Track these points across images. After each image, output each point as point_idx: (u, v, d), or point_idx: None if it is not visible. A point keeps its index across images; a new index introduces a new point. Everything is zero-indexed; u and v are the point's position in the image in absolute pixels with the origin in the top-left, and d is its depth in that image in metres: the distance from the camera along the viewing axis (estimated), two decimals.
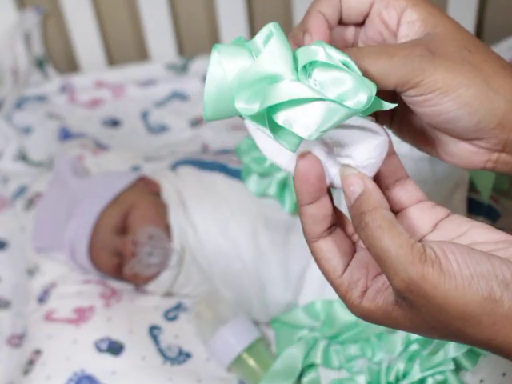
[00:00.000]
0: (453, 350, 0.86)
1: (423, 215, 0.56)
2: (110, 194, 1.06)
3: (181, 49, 1.50)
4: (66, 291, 1.07)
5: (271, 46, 0.48)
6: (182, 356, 0.99)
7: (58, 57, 1.51)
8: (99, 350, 0.99)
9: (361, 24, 0.60)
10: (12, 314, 1.11)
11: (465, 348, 0.86)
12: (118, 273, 1.05)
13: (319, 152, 0.52)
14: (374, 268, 0.53)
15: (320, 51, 0.49)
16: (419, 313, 0.49)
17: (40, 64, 1.47)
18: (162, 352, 0.99)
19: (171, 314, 1.04)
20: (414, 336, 0.87)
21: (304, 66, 0.49)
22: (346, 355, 0.91)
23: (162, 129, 1.36)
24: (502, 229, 0.54)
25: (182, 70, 1.45)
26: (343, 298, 0.53)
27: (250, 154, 1.02)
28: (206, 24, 1.46)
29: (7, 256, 1.18)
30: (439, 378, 0.87)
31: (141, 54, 1.50)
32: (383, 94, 0.54)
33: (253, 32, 1.47)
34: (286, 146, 0.50)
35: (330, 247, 0.53)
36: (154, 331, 1.02)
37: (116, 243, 1.04)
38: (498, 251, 0.51)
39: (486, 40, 1.43)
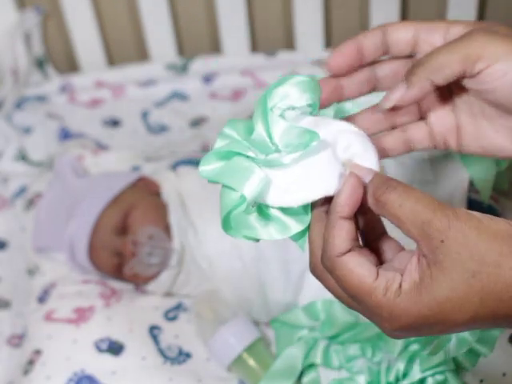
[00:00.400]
0: (453, 350, 0.86)
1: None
2: (109, 194, 1.06)
3: (181, 49, 1.50)
4: (65, 291, 1.07)
5: None
6: (182, 356, 0.99)
7: (57, 57, 1.51)
8: (99, 349, 0.99)
9: (409, 56, 0.63)
10: (12, 313, 1.11)
11: (465, 348, 0.86)
12: (118, 273, 1.05)
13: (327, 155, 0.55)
14: (403, 261, 0.55)
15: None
16: (457, 258, 0.50)
17: (40, 64, 1.47)
18: (162, 352, 0.99)
19: (171, 314, 1.04)
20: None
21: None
22: (345, 355, 0.91)
23: (162, 129, 1.36)
24: None
25: (182, 70, 1.45)
26: (381, 300, 0.52)
27: None
28: (206, 24, 1.46)
29: (7, 256, 1.18)
30: (439, 378, 0.87)
31: (141, 53, 1.50)
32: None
33: (253, 32, 1.47)
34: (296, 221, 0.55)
35: (358, 256, 0.53)
36: (154, 331, 1.02)
37: (116, 243, 1.04)
38: None
39: None
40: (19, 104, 1.41)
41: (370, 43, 0.62)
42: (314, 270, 0.57)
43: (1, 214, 1.24)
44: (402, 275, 0.52)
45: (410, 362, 0.88)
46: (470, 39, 0.57)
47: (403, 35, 0.61)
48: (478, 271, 0.50)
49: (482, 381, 0.89)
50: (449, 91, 0.63)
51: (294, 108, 0.55)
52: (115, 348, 0.99)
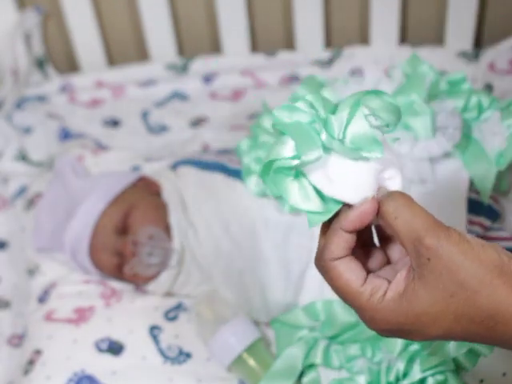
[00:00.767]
0: (453, 350, 0.86)
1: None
2: (110, 194, 1.06)
3: (181, 49, 1.50)
4: (66, 291, 1.07)
5: None
6: (182, 356, 0.99)
7: (58, 57, 1.51)
8: (99, 349, 0.99)
9: None
10: (12, 313, 1.11)
11: (465, 348, 0.86)
12: (118, 273, 1.05)
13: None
14: (391, 272, 0.59)
15: None
16: (439, 278, 0.53)
17: (40, 64, 1.47)
18: (162, 352, 0.99)
19: (171, 314, 1.04)
20: None
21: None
22: (346, 355, 0.91)
23: (162, 129, 1.36)
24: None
25: (182, 70, 1.45)
26: (364, 305, 0.56)
27: (250, 154, 1.02)
28: (206, 24, 1.46)
29: (7, 256, 1.18)
30: (439, 378, 0.87)
31: (141, 53, 1.50)
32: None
33: (253, 32, 1.47)
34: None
35: (349, 262, 0.57)
36: (154, 331, 1.02)
37: (116, 243, 1.04)
38: None
39: (486, 40, 1.43)
40: (19, 104, 1.41)
41: None
42: (315, 263, 0.60)
43: (1, 214, 1.24)
44: (390, 283, 0.56)
45: (410, 361, 0.88)
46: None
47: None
48: (456, 293, 0.53)
49: (482, 381, 0.89)
50: None
51: (377, 119, 0.56)
52: (115, 348, 0.99)
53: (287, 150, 0.56)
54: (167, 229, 1.04)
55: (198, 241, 1.03)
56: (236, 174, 1.05)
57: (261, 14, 1.45)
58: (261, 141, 1.01)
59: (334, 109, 0.58)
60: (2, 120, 1.35)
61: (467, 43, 1.40)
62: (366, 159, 0.56)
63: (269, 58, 1.45)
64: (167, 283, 1.04)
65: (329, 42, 1.47)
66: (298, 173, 0.57)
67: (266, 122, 1.01)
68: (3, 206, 1.25)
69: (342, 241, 0.57)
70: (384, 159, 0.57)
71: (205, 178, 1.07)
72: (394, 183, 0.58)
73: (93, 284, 1.08)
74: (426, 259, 0.53)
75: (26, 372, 0.99)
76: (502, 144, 0.95)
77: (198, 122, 1.36)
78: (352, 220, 0.56)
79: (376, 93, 0.57)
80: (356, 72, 1.39)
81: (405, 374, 0.88)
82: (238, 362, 0.96)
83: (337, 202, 0.57)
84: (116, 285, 1.08)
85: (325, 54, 1.43)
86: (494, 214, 0.99)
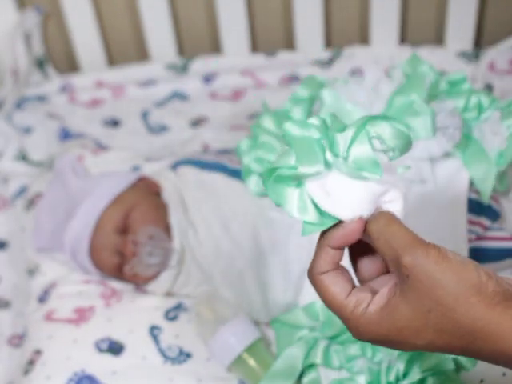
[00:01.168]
0: None
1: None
2: (110, 195, 1.06)
3: (181, 49, 1.50)
4: (66, 291, 1.07)
5: None
6: (183, 356, 0.99)
7: (58, 57, 1.51)
8: (99, 349, 0.99)
9: None
10: (12, 313, 1.11)
11: None
12: (118, 273, 1.05)
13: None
14: (376, 284, 0.61)
15: None
16: (418, 294, 0.56)
17: (40, 64, 1.47)
18: (162, 352, 0.99)
19: (171, 314, 1.04)
20: None
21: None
22: (346, 355, 0.91)
23: (162, 129, 1.36)
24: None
25: (182, 70, 1.45)
26: (349, 316, 0.59)
27: (251, 154, 1.02)
28: (206, 24, 1.46)
29: (7, 256, 1.18)
30: (439, 378, 0.87)
31: (141, 54, 1.50)
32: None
33: (253, 32, 1.47)
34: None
35: (335, 276, 0.60)
36: (154, 331, 1.02)
37: (116, 243, 1.04)
38: None
39: (486, 40, 1.43)
40: (19, 104, 1.41)
41: None
42: (307, 275, 0.63)
43: (1, 214, 1.23)
44: (374, 296, 0.59)
45: (410, 362, 0.88)
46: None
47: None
48: (433, 309, 0.56)
49: (482, 381, 0.89)
50: None
51: (381, 142, 0.58)
52: (115, 348, 0.99)
53: (290, 160, 0.58)
54: (167, 229, 1.04)
55: (198, 241, 1.03)
56: (236, 174, 1.05)
57: (261, 14, 1.45)
58: (261, 141, 1.01)
59: (342, 128, 0.59)
60: (2, 120, 1.35)
61: (467, 43, 1.40)
62: (366, 180, 0.58)
63: (269, 58, 1.45)
64: (167, 283, 1.04)
65: (329, 42, 1.47)
66: (299, 183, 0.59)
67: (266, 122, 1.01)
68: (3, 206, 1.25)
69: (329, 256, 0.60)
70: (385, 182, 0.59)
71: (205, 177, 1.07)
72: (394, 207, 0.60)
73: (93, 284, 1.08)
74: (405, 276, 0.56)
75: (26, 372, 0.99)
76: (502, 144, 0.95)
77: (197, 122, 1.36)
78: (337, 238, 0.59)
79: (386, 118, 0.59)
80: (356, 72, 1.39)
81: (405, 374, 0.88)
82: (238, 362, 0.96)
83: (332, 217, 0.59)
84: (116, 285, 1.08)
85: (325, 54, 1.43)
86: (493, 214, 0.99)
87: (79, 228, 1.05)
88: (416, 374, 0.88)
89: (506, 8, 1.40)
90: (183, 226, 1.03)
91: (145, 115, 1.38)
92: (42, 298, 1.07)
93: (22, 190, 1.25)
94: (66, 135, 1.33)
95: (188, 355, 1.00)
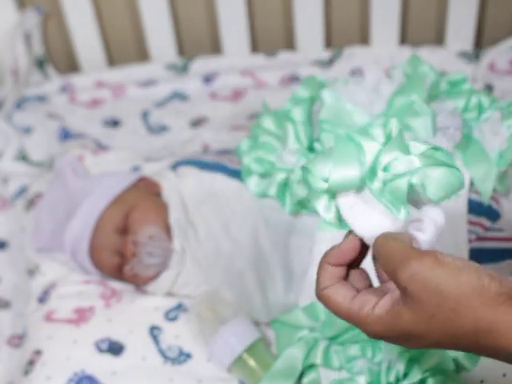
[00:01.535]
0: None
1: None
2: (110, 195, 1.06)
3: (181, 49, 1.50)
4: (66, 291, 1.07)
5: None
6: (183, 356, 0.99)
7: (58, 57, 1.51)
8: (99, 350, 0.99)
9: None
10: (12, 314, 1.11)
11: None
12: (118, 273, 1.05)
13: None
14: (380, 290, 0.63)
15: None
16: (419, 301, 0.58)
17: (40, 64, 1.47)
18: (162, 352, 0.99)
19: (172, 315, 1.04)
20: None
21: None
22: (346, 356, 0.91)
23: (162, 129, 1.36)
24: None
25: (182, 70, 1.45)
26: (356, 318, 0.62)
27: (250, 154, 1.02)
28: (206, 24, 1.46)
29: (7, 256, 1.18)
30: (440, 378, 0.87)
31: (141, 54, 1.50)
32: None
33: (253, 32, 1.47)
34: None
35: (336, 288, 0.64)
36: (154, 331, 1.02)
37: (116, 243, 1.04)
38: None
39: (487, 40, 1.43)
40: (19, 104, 1.40)
41: None
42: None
43: (1, 214, 1.23)
44: (380, 298, 0.61)
45: (411, 362, 0.88)
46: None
47: None
48: (436, 313, 0.57)
49: (482, 381, 0.89)
50: None
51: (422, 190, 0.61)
52: (115, 348, 0.99)
53: (326, 168, 0.60)
54: (167, 229, 1.04)
55: (198, 241, 1.03)
56: (236, 174, 1.05)
57: (261, 14, 1.45)
58: (261, 141, 1.01)
59: (405, 148, 0.61)
60: (2, 120, 1.35)
61: (467, 43, 1.40)
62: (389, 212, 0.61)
63: (269, 58, 1.45)
64: (167, 283, 1.04)
65: (329, 43, 1.47)
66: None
67: (266, 122, 1.01)
68: (3, 206, 1.25)
69: (328, 273, 0.64)
70: (413, 216, 0.62)
71: (205, 178, 1.07)
72: (422, 236, 0.62)
73: (93, 284, 1.08)
74: (403, 287, 0.58)
75: (26, 372, 0.99)
76: (502, 144, 0.95)
77: (197, 122, 1.36)
78: (335, 256, 0.63)
79: (443, 164, 0.61)
80: (356, 72, 1.39)
81: (405, 375, 0.88)
82: (238, 362, 0.96)
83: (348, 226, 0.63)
84: (116, 285, 1.08)
85: (325, 55, 1.43)
86: (494, 214, 0.99)
87: (79, 228, 1.05)
88: (416, 375, 0.88)
89: (506, 8, 1.40)
90: (183, 226, 1.03)
91: (145, 115, 1.38)
92: (42, 299, 1.07)
93: (22, 190, 1.25)
94: (66, 135, 1.33)
95: (188, 355, 1.00)
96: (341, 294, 0.63)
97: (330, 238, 0.91)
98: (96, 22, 1.43)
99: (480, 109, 0.97)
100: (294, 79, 1.40)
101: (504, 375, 0.87)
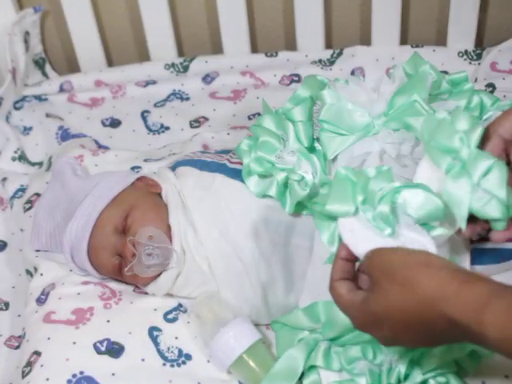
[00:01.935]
0: (455, 351, 0.85)
1: None
2: (109, 195, 1.06)
3: (181, 49, 1.49)
4: (65, 292, 1.06)
5: None
6: (182, 357, 0.99)
7: (57, 57, 1.51)
8: (98, 351, 0.99)
9: None
10: (11, 315, 1.11)
11: (467, 350, 0.86)
12: (117, 274, 1.05)
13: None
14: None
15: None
16: (379, 284, 0.69)
17: (39, 64, 1.47)
18: (161, 354, 0.99)
19: (171, 316, 1.04)
20: None
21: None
22: (346, 357, 0.91)
23: (162, 129, 1.36)
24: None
25: (182, 70, 1.45)
26: (343, 306, 0.75)
27: (250, 154, 1.02)
28: (206, 24, 1.46)
29: (6, 257, 1.18)
30: (441, 380, 0.87)
31: (141, 54, 1.50)
32: None
33: (253, 32, 1.46)
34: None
35: (344, 282, 0.75)
36: (153, 333, 1.01)
37: (116, 244, 1.03)
38: None
39: (488, 40, 1.43)
40: (18, 104, 1.40)
41: None
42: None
43: None
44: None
45: (411, 364, 0.87)
46: None
47: None
48: (390, 290, 0.68)
49: (484, 383, 0.89)
50: None
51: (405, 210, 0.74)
52: (115, 349, 0.99)
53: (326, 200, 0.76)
54: (167, 229, 1.03)
55: (198, 241, 1.03)
56: (236, 174, 1.05)
57: (261, 13, 1.45)
58: (261, 141, 1.00)
59: (388, 178, 0.74)
60: (0, 120, 1.35)
61: (469, 43, 1.39)
62: (381, 232, 0.73)
63: (269, 58, 1.44)
64: (167, 284, 1.03)
65: (329, 42, 1.47)
66: (333, 218, 0.77)
67: (266, 122, 1.01)
68: (1, 207, 1.25)
69: (339, 267, 0.75)
70: (405, 237, 0.73)
71: (205, 178, 1.06)
72: None
73: (92, 285, 1.07)
74: (370, 275, 0.71)
75: (25, 374, 0.99)
76: None
77: (198, 122, 1.35)
78: (344, 252, 0.75)
79: (420, 187, 0.74)
80: (357, 72, 1.38)
81: (406, 376, 0.88)
82: (239, 363, 0.95)
83: None
84: (115, 286, 1.08)
85: (326, 54, 1.43)
86: None
87: (78, 228, 1.04)
88: (417, 376, 0.87)
89: (507, 8, 1.40)
90: (183, 226, 1.03)
91: (144, 115, 1.38)
92: (41, 300, 1.07)
93: (21, 191, 1.25)
94: (65, 135, 1.33)
95: (188, 357, 0.99)
96: (345, 287, 0.74)
97: None
98: (96, 21, 1.43)
99: (481, 108, 0.97)
100: (294, 79, 1.40)
101: (506, 377, 0.87)
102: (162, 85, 1.42)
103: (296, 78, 1.40)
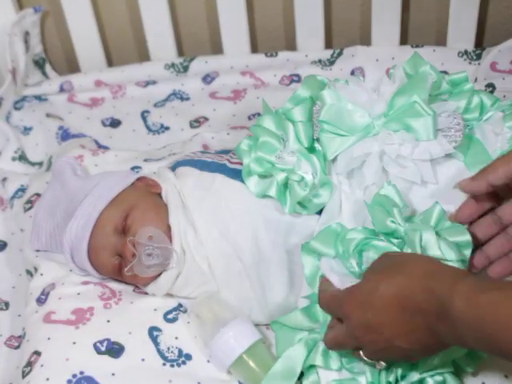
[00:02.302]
0: (453, 351, 0.85)
1: None
2: (109, 195, 1.06)
3: (181, 49, 1.49)
4: (65, 292, 1.06)
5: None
6: (182, 358, 0.99)
7: (57, 57, 1.51)
8: (98, 351, 0.99)
9: None
10: (11, 315, 1.11)
11: (465, 350, 0.86)
12: (117, 274, 1.05)
13: None
14: None
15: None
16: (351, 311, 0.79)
17: (39, 64, 1.47)
18: (161, 354, 0.99)
19: (171, 316, 1.04)
20: None
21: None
22: (345, 357, 0.91)
23: (162, 129, 1.36)
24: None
25: (182, 70, 1.45)
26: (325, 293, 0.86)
27: (250, 154, 1.02)
28: (206, 24, 1.46)
29: (6, 257, 1.18)
30: (438, 378, 0.87)
31: (141, 54, 1.50)
32: None
33: (253, 32, 1.46)
34: None
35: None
36: (153, 333, 1.01)
37: (116, 244, 1.03)
38: None
39: (488, 40, 1.43)
40: (18, 104, 1.40)
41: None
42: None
43: None
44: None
45: (409, 364, 0.88)
46: None
47: None
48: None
49: (483, 383, 0.89)
50: None
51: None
52: (115, 349, 0.99)
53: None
54: (167, 229, 1.03)
55: (198, 241, 1.03)
56: (236, 174, 1.05)
57: (261, 13, 1.45)
58: (261, 141, 1.00)
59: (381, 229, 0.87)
60: (0, 120, 1.35)
61: (469, 43, 1.39)
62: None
63: (269, 58, 1.44)
64: (167, 284, 1.03)
65: (329, 42, 1.47)
66: (319, 256, 0.92)
67: (266, 122, 1.01)
68: (1, 207, 1.25)
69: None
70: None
71: (205, 178, 1.06)
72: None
73: (92, 285, 1.07)
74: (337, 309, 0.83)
75: (25, 374, 0.99)
76: (504, 144, 0.94)
77: (198, 122, 1.35)
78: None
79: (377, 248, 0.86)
80: (357, 72, 1.38)
81: (404, 375, 0.88)
82: (238, 363, 0.95)
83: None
84: (115, 286, 1.08)
85: (326, 54, 1.43)
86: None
87: (78, 229, 1.04)
88: (415, 375, 0.87)
89: (507, 8, 1.40)
90: (183, 226, 1.03)
91: (144, 115, 1.38)
92: (41, 300, 1.07)
93: (21, 191, 1.25)
94: (65, 135, 1.33)
95: (188, 357, 0.99)
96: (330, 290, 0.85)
97: None
98: (96, 22, 1.43)
99: (482, 109, 0.97)
100: (294, 79, 1.40)
101: (506, 377, 0.87)
102: (162, 85, 1.42)
103: (296, 78, 1.40)
